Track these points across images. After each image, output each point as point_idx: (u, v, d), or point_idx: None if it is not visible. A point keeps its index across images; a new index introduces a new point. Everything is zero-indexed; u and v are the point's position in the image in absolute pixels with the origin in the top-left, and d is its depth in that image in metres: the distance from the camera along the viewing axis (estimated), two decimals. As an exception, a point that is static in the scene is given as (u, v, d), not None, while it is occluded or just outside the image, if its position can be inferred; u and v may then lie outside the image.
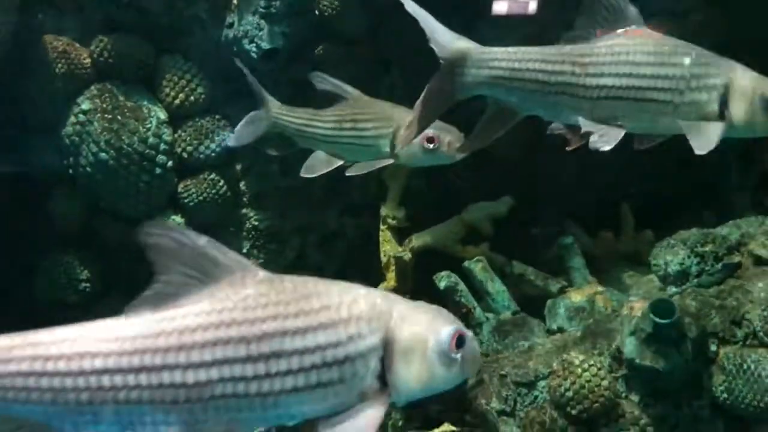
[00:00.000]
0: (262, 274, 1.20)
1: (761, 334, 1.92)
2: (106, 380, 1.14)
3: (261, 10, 2.44)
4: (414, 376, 1.17)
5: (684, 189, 2.82)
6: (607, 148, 1.67)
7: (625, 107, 1.70)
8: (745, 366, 1.88)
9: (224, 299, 1.16)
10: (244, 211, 2.77)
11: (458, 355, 1.19)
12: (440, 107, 1.73)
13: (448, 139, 2.04)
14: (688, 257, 2.19)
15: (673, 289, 2.24)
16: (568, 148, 1.83)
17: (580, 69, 1.68)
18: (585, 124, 1.70)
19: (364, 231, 2.78)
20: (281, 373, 1.14)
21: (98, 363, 1.15)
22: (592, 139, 1.69)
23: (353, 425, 1.15)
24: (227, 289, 1.17)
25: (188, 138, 2.63)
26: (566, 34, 1.74)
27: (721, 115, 1.67)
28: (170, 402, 1.15)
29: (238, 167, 2.73)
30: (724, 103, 1.67)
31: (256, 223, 2.76)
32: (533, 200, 2.79)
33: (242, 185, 2.75)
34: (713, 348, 1.97)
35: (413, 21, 2.51)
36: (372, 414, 1.15)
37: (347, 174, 2.18)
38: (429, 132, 2.00)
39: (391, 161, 2.15)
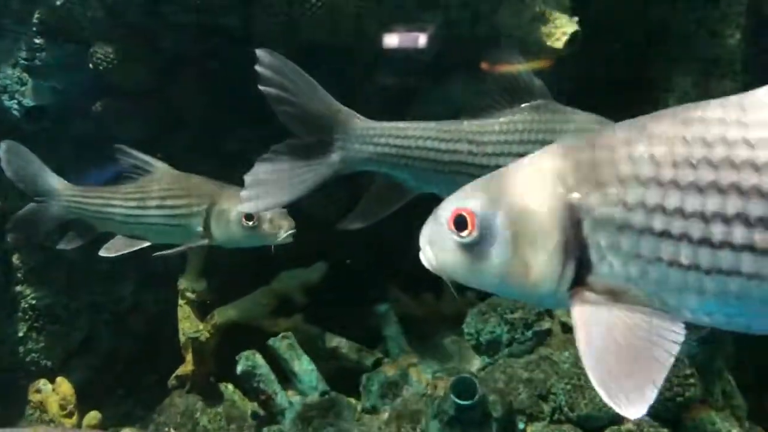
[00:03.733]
0: None
1: (566, 409, 1.81)
2: None
3: (22, 62, 2.13)
4: None
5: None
6: None
7: None
8: (550, 446, 1.76)
9: None
10: (18, 288, 2.41)
11: None
12: (315, 181, 1.49)
13: (269, 216, 1.81)
14: (499, 325, 2.09)
15: (486, 360, 2.12)
16: None
17: (477, 147, 1.51)
18: None
19: (165, 305, 2.48)
20: None
21: None
22: None
23: None
24: None
25: (-58, 208, 2.26)
26: (467, 108, 1.57)
27: None
28: None
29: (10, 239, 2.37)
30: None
31: (34, 302, 2.41)
32: (355, 265, 2.61)
33: (15, 259, 2.39)
34: (521, 426, 1.84)
35: (210, 72, 2.30)
36: None
37: (154, 256, 1.88)
38: None
39: (205, 242, 1.88)
